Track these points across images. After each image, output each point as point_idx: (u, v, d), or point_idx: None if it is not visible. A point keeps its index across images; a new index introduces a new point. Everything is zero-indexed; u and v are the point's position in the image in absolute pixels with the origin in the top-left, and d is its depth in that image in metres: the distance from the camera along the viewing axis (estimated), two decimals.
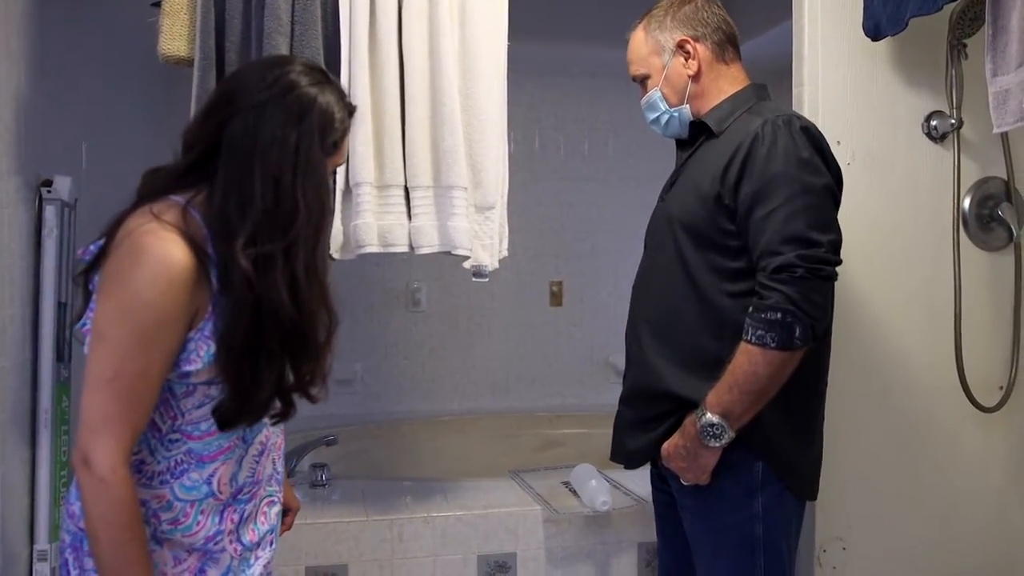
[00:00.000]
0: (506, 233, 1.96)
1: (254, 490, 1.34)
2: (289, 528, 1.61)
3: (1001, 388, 2.10)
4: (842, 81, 2.02)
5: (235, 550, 1.32)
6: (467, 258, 1.86)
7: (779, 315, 1.43)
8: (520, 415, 3.34)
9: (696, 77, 1.66)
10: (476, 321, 3.54)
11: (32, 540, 1.86)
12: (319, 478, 2.32)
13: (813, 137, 1.55)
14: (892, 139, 2.05)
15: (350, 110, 1.29)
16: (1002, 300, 2.12)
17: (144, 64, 2.00)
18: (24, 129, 1.87)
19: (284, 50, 1.73)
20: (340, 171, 1.78)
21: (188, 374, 1.20)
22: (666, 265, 1.64)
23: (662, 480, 1.77)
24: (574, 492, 2.25)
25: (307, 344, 1.22)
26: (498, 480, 2.39)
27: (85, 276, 1.25)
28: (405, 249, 1.83)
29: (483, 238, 1.87)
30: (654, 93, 1.69)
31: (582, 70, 3.57)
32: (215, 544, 1.29)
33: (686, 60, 1.65)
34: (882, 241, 2.06)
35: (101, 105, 2.39)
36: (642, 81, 1.73)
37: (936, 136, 2.06)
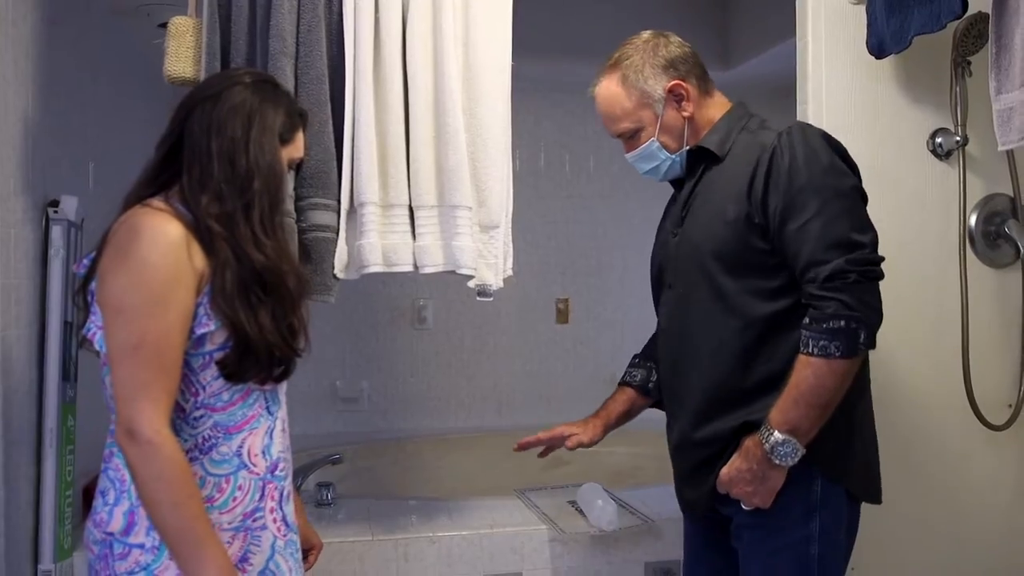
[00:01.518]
0: (511, 252, 1.96)
1: (287, 468, 1.40)
2: (311, 566, 1.63)
3: (1010, 406, 2.09)
4: (846, 99, 2.03)
5: (279, 529, 1.36)
6: (471, 277, 1.86)
7: (842, 323, 1.42)
8: (525, 432, 3.31)
9: (690, 116, 1.63)
10: (482, 338, 3.53)
11: (36, 560, 1.86)
12: (324, 497, 2.31)
13: (830, 141, 1.54)
14: (897, 156, 2.05)
15: (300, 112, 1.46)
16: (1010, 317, 2.11)
17: (150, 85, 2.01)
18: (32, 150, 1.88)
19: (288, 72, 1.74)
20: (344, 190, 1.78)
21: (203, 340, 1.27)
22: (702, 299, 1.59)
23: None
24: (580, 511, 2.23)
25: (280, 292, 1.32)
26: (504, 499, 2.37)
27: (83, 287, 1.33)
28: (409, 268, 1.83)
29: (487, 257, 1.87)
30: (651, 144, 1.64)
31: (587, 86, 3.56)
32: (254, 521, 1.33)
33: (679, 104, 1.61)
34: (888, 259, 2.02)
35: (108, 126, 2.41)
36: (630, 135, 1.67)
37: (941, 153, 2.06)
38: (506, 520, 2.18)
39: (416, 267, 1.82)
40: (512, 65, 1.94)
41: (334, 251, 1.78)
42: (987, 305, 2.09)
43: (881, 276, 1.49)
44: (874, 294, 1.47)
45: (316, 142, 1.76)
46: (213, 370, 1.29)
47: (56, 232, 1.91)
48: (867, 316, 1.44)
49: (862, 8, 1.99)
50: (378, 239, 1.78)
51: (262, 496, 1.34)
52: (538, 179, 3.59)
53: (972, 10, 1.83)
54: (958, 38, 2.00)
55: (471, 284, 1.87)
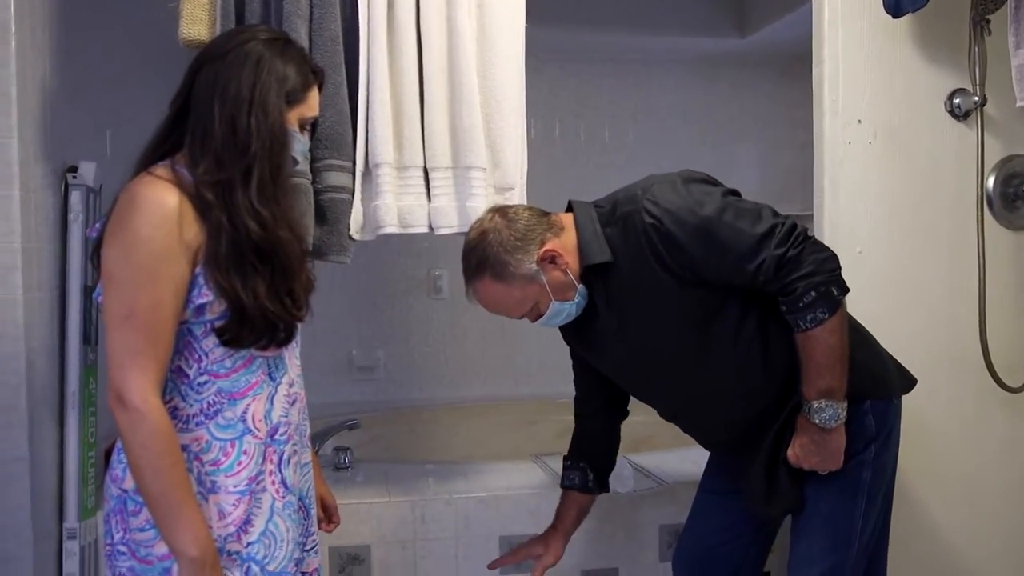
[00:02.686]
0: None
1: (288, 431, 1.40)
2: (338, 523, 1.67)
3: None
4: (863, 59, 2.01)
5: (277, 491, 1.37)
6: None
7: (813, 293, 1.49)
8: (541, 401, 3.34)
9: (567, 263, 1.61)
10: None
11: (61, 519, 1.89)
12: (342, 461, 2.34)
13: (678, 180, 1.59)
14: (914, 117, 2.04)
15: (314, 69, 1.43)
16: None
17: (166, 50, 2.02)
18: (50, 117, 1.90)
19: (303, 32, 1.74)
20: (360, 152, 1.79)
21: (203, 309, 1.28)
22: (702, 370, 1.65)
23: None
24: None
25: (279, 260, 1.31)
26: (520, 463, 2.40)
27: (96, 251, 1.34)
28: (425, 230, 1.84)
29: None
30: (553, 307, 1.64)
31: (603, 56, 3.56)
32: (257, 484, 1.35)
33: (555, 262, 1.61)
34: (904, 221, 2.04)
35: (124, 93, 2.42)
36: (532, 312, 1.67)
37: (959, 114, 2.05)
38: (522, 483, 2.20)
39: (431, 228, 1.83)
40: (526, 32, 1.93)
41: (350, 212, 1.80)
42: (1005, 267, 2.08)
43: (804, 229, 1.55)
44: (817, 249, 1.53)
45: (331, 104, 1.77)
46: (214, 338, 1.31)
47: (75, 197, 1.93)
48: (828, 271, 1.51)
49: None
50: (393, 200, 1.79)
51: (264, 459, 1.35)
52: (553, 149, 3.58)
53: None
54: None
55: None
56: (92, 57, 2.23)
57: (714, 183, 1.63)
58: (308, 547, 1.49)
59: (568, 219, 1.66)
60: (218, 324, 1.30)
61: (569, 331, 1.78)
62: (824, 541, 1.65)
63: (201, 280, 1.28)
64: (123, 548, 1.32)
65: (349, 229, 1.80)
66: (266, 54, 1.33)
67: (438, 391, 3.46)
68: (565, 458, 1.93)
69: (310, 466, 1.51)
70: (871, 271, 2.01)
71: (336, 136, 1.78)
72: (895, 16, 1.94)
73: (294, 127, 1.39)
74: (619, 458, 2.19)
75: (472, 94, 1.81)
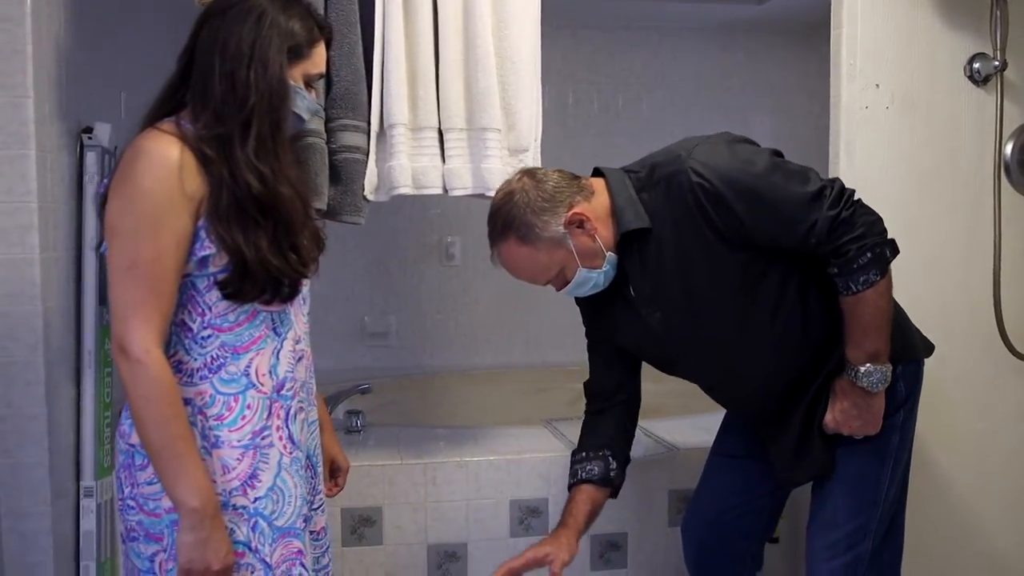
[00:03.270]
0: None
1: (295, 387, 1.40)
2: (342, 488, 1.68)
3: None
4: (881, 22, 1.99)
5: (284, 447, 1.37)
6: None
7: (868, 255, 1.49)
8: (553, 369, 3.35)
9: (596, 230, 1.57)
10: (508, 275, 3.54)
11: (78, 477, 1.92)
12: (354, 424, 2.36)
13: (723, 141, 1.56)
14: (932, 82, 2.02)
15: (320, 24, 1.41)
16: None
17: (181, 11, 2.01)
18: (65, 76, 1.90)
19: None
20: (375, 112, 1.79)
21: (205, 262, 1.29)
22: (744, 338, 1.61)
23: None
24: None
25: (280, 215, 1.31)
26: (531, 428, 2.41)
27: (102, 207, 1.34)
28: (439, 191, 1.84)
29: None
30: (579, 274, 1.58)
31: (617, 24, 3.53)
32: (263, 439, 1.35)
33: (583, 227, 1.56)
34: (921, 186, 2.03)
35: (138, 55, 2.41)
36: (557, 278, 1.62)
37: (978, 79, 2.03)
38: (533, 447, 2.22)
39: (445, 190, 1.83)
40: None
41: (364, 172, 1.80)
42: (1020, 234, 2.07)
43: (852, 191, 1.53)
44: (866, 211, 1.52)
45: (346, 63, 1.76)
46: (218, 291, 1.31)
47: (91, 158, 1.93)
48: (879, 233, 1.51)
49: None
50: (408, 161, 1.79)
51: (269, 415, 1.35)
52: (566, 117, 3.56)
53: None
54: None
55: None
56: (107, 18, 2.22)
57: (756, 144, 1.60)
58: (316, 505, 1.50)
59: (600, 184, 1.61)
60: (221, 277, 1.30)
61: (592, 307, 1.73)
62: (850, 504, 1.65)
63: (203, 233, 1.28)
64: (131, 503, 1.34)
65: (363, 189, 1.80)
66: (269, 9, 1.33)
67: (450, 358, 3.47)
68: (575, 452, 1.81)
69: (317, 424, 1.51)
70: None
71: (351, 96, 1.77)
72: None
73: (298, 83, 1.38)
74: None
75: (487, 56, 1.80)
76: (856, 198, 1.53)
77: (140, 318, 1.24)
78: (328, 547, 1.55)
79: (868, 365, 1.54)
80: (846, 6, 1.99)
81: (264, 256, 1.29)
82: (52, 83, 1.84)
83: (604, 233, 1.57)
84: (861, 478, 1.65)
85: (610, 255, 1.59)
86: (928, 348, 1.74)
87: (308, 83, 1.41)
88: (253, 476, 1.34)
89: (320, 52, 1.41)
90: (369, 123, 1.80)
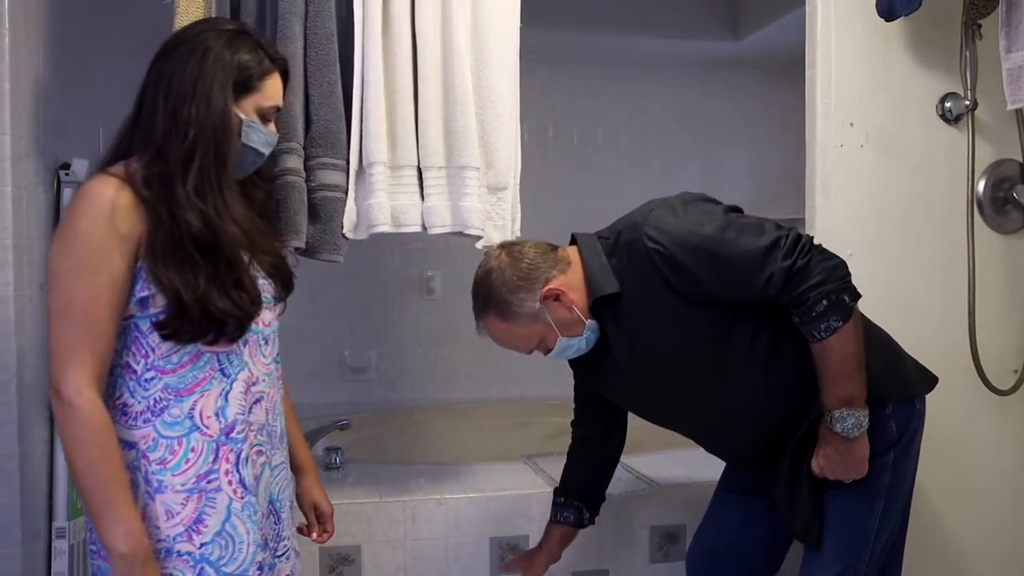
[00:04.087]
0: (519, 213, 1.97)
1: (247, 430, 1.37)
2: (331, 534, 1.64)
3: (1016, 372, 2.10)
4: (855, 62, 2.02)
5: (234, 491, 1.34)
6: (479, 239, 1.87)
7: (825, 302, 1.49)
8: (533, 403, 3.35)
9: (573, 301, 1.62)
10: None
11: (51, 518, 1.88)
12: (333, 461, 2.33)
13: (677, 203, 1.59)
14: (906, 121, 2.05)
15: (272, 57, 1.40)
16: (1017, 283, 2.12)
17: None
18: (43, 112, 1.89)
19: (298, 31, 1.75)
20: (354, 150, 1.79)
21: (146, 303, 1.28)
22: (714, 391, 1.64)
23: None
24: None
25: (222, 253, 1.30)
26: (511, 464, 2.40)
27: None
28: (418, 229, 1.84)
29: (496, 219, 1.88)
30: (560, 343, 1.65)
31: (596, 58, 3.57)
32: (208, 483, 1.32)
33: (559, 300, 1.61)
34: (895, 224, 2.05)
35: (117, 90, 2.40)
36: (540, 348, 1.69)
37: (950, 118, 2.06)
38: (513, 484, 2.20)
39: (424, 228, 1.83)
40: (520, 33, 1.93)
41: (343, 210, 1.79)
42: (994, 271, 2.09)
43: (809, 238, 1.55)
44: (824, 258, 1.53)
45: (325, 102, 1.77)
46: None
47: (68, 195, 1.93)
48: (838, 279, 1.50)
49: None
50: (387, 199, 1.79)
51: (216, 458, 1.33)
52: (546, 150, 3.58)
53: None
54: (968, 0, 1.99)
55: (479, 245, 1.88)
56: (86, 53, 2.23)
57: (714, 202, 1.63)
58: (279, 552, 1.46)
59: (574, 252, 1.66)
60: (159, 318, 1.28)
61: (581, 364, 1.78)
62: (838, 544, 1.64)
63: (143, 274, 1.27)
64: (93, 547, 1.32)
65: (342, 228, 1.80)
66: (214, 44, 1.32)
67: (430, 392, 3.46)
68: (557, 491, 1.92)
69: (282, 468, 1.48)
70: (862, 274, 1.99)
71: (330, 134, 1.78)
72: (888, 20, 1.95)
73: (252, 117, 1.37)
74: None
75: (466, 94, 1.81)
76: (815, 244, 1.54)
77: (73, 361, 1.23)
78: None
79: (842, 410, 1.54)
80: (820, 46, 2.02)
81: (203, 296, 1.27)
82: (30, 119, 1.83)
83: (581, 302, 1.62)
84: (850, 519, 1.64)
85: (590, 322, 1.64)
86: (928, 384, 1.73)
87: (264, 117, 1.40)
88: (198, 521, 1.31)
89: (273, 84, 1.40)
90: (348, 161, 1.80)
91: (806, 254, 1.50)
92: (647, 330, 1.62)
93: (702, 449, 1.88)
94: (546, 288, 1.60)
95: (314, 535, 1.62)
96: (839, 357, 1.51)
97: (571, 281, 1.63)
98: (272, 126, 1.42)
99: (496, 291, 1.62)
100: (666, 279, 1.54)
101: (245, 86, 1.35)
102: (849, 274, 1.53)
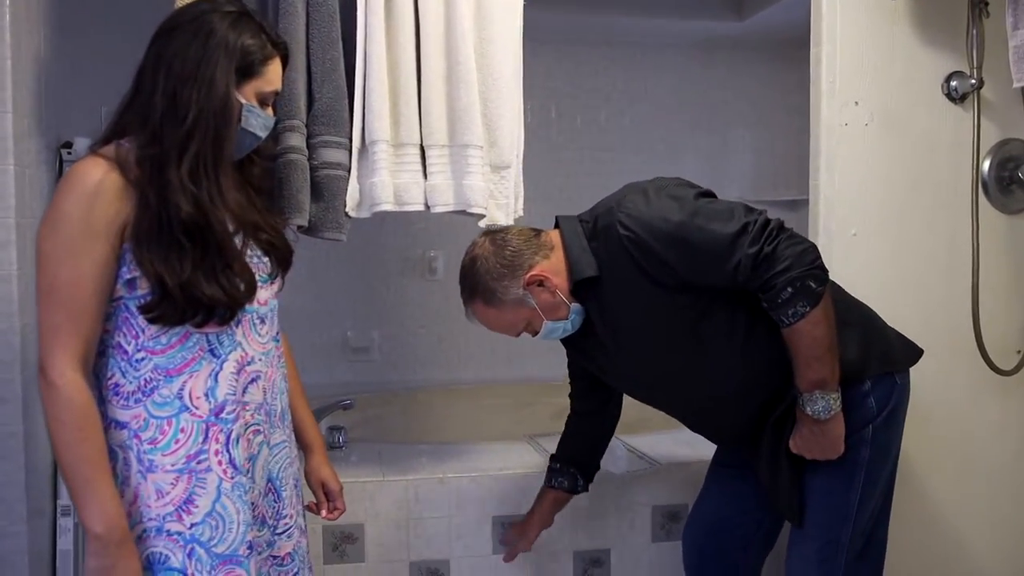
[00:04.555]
0: (521, 192, 1.96)
1: (238, 410, 1.37)
2: (342, 511, 1.65)
3: (1019, 352, 2.10)
4: (860, 40, 2.01)
5: (224, 471, 1.34)
6: (482, 217, 1.86)
7: (790, 289, 1.50)
8: (536, 384, 3.35)
9: (557, 285, 1.65)
10: None
11: (56, 495, 1.90)
12: (336, 440, 2.34)
13: (649, 189, 1.61)
14: (911, 100, 2.04)
15: (274, 42, 1.38)
16: (1021, 264, 2.11)
17: None
18: (45, 92, 1.89)
19: (300, 8, 1.73)
20: (356, 128, 1.78)
21: (133, 284, 1.28)
22: (693, 372, 1.67)
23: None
24: None
25: (213, 238, 1.29)
26: (513, 444, 2.40)
27: None
28: (421, 207, 1.83)
29: (498, 197, 1.88)
30: (546, 326, 1.68)
31: (600, 39, 3.54)
32: (198, 463, 1.32)
33: (543, 285, 1.64)
34: (899, 203, 2.05)
35: (119, 69, 2.39)
36: (528, 330, 1.72)
37: (956, 97, 2.05)
38: (516, 463, 2.21)
39: (427, 206, 1.83)
40: (524, 13, 1.92)
41: (346, 189, 1.79)
42: (998, 251, 2.09)
43: (779, 222, 1.54)
44: (792, 243, 1.52)
45: (328, 80, 1.76)
46: None
47: None
48: (805, 265, 1.50)
49: None
50: (389, 177, 1.79)
51: (206, 438, 1.33)
52: (549, 131, 3.57)
53: None
54: None
55: (481, 224, 1.87)
56: (88, 32, 2.22)
57: (689, 185, 1.63)
58: (280, 530, 1.47)
59: (556, 236, 1.68)
60: (144, 300, 1.28)
61: (571, 344, 1.82)
62: (820, 517, 1.67)
63: (128, 256, 1.27)
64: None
65: (345, 206, 1.80)
66: (218, 27, 1.30)
67: (433, 373, 3.46)
68: (553, 458, 1.97)
69: (283, 446, 1.48)
70: (866, 253, 2.02)
71: (333, 112, 1.77)
72: None
73: (251, 101, 1.36)
74: (613, 439, 2.21)
75: (469, 72, 1.80)
76: (785, 229, 1.54)
77: (57, 341, 1.23)
78: (297, 572, 1.51)
79: (813, 393, 1.55)
80: (825, 25, 2.00)
81: (188, 281, 1.26)
82: (32, 98, 1.83)
83: (564, 286, 1.65)
84: (829, 493, 1.66)
85: (574, 305, 1.67)
86: (910, 357, 1.74)
87: (263, 101, 1.39)
88: (189, 501, 1.32)
89: (274, 69, 1.38)
90: (351, 139, 1.79)
91: (773, 239, 1.51)
92: (626, 312, 1.64)
93: None
94: (529, 274, 1.63)
95: (323, 512, 1.63)
96: (808, 341, 1.52)
97: (554, 265, 1.65)
98: (270, 110, 1.41)
99: (481, 279, 1.65)
100: (639, 265, 1.57)
101: (247, 71, 1.33)
102: (818, 258, 1.53)
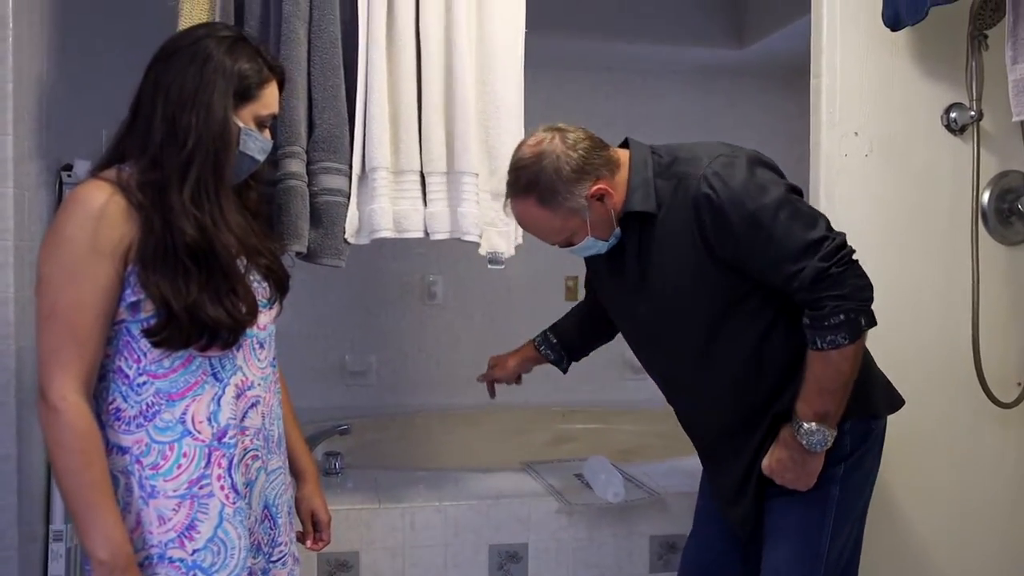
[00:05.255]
0: None
1: (238, 434, 1.36)
2: (327, 543, 1.63)
3: (1019, 384, 2.09)
4: (861, 72, 2.01)
5: (226, 496, 1.34)
6: (478, 245, 1.86)
7: (842, 316, 1.47)
8: (534, 409, 3.33)
9: (616, 205, 1.60)
10: (491, 315, 3.53)
11: (48, 521, 1.88)
12: (332, 466, 2.33)
13: (746, 160, 1.57)
14: (911, 131, 2.04)
15: (271, 65, 1.39)
16: (1021, 295, 2.11)
17: None
18: (46, 114, 1.89)
19: (302, 34, 1.74)
20: (356, 155, 1.79)
21: (136, 307, 1.27)
22: (698, 347, 1.63)
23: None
24: (587, 484, 2.24)
25: (217, 262, 1.30)
26: (511, 471, 2.39)
27: None
28: (420, 234, 1.83)
29: (499, 225, 1.87)
30: (586, 241, 1.62)
31: (601, 65, 3.56)
32: (200, 488, 1.32)
33: (603, 201, 1.58)
34: (899, 234, 2.04)
35: (120, 90, 2.41)
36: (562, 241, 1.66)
37: (955, 128, 2.05)
38: (512, 491, 2.19)
39: (426, 233, 1.83)
40: (525, 40, 1.93)
41: (345, 215, 1.79)
42: (998, 282, 2.08)
43: (852, 250, 1.52)
44: (857, 274, 1.51)
45: (329, 106, 1.77)
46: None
47: None
48: (861, 300, 1.49)
49: None
50: (389, 204, 1.79)
51: (208, 463, 1.32)
52: None
53: None
54: (975, 11, 1.98)
55: (482, 251, 1.87)
56: (89, 55, 2.23)
57: (780, 173, 1.60)
58: (274, 558, 1.46)
59: (624, 157, 1.62)
60: (148, 324, 1.28)
61: (593, 268, 1.80)
62: (791, 555, 1.64)
63: (132, 279, 1.27)
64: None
65: (344, 232, 1.79)
66: (215, 52, 1.32)
67: (430, 397, 3.45)
68: (552, 327, 2.05)
69: (279, 472, 1.47)
70: None
71: (333, 139, 1.77)
72: (893, 29, 1.95)
73: (249, 125, 1.36)
74: (610, 468, 2.20)
75: (467, 100, 1.81)
76: (854, 258, 1.51)
77: (58, 365, 1.23)
78: None
79: (813, 424, 1.53)
80: (825, 56, 2.01)
81: (194, 304, 1.26)
82: (33, 121, 1.83)
83: (618, 208, 1.60)
84: (802, 529, 1.63)
85: (617, 230, 1.62)
86: (891, 405, 1.72)
87: (261, 124, 1.39)
88: (191, 527, 1.31)
89: (271, 92, 1.39)
90: (351, 166, 1.79)
91: (843, 264, 1.48)
92: (664, 261, 1.59)
93: None
94: (596, 186, 1.56)
95: (308, 543, 1.61)
96: (832, 372, 1.50)
97: (617, 184, 1.59)
98: (267, 133, 1.42)
99: (545, 176, 1.55)
100: (703, 225, 1.52)
101: (245, 95, 1.34)
102: (872, 299, 1.51)
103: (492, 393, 2.14)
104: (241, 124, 1.35)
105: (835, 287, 1.47)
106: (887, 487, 2.02)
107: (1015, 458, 2.12)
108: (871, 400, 1.66)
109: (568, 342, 2.02)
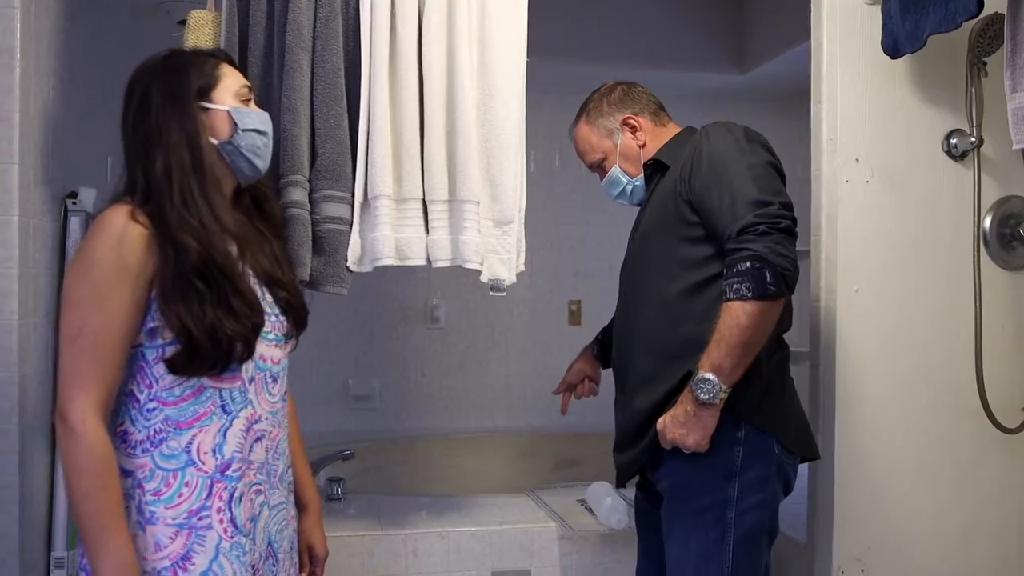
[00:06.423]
0: (523, 247, 1.96)
1: (243, 468, 1.36)
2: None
3: (1023, 410, 2.08)
4: (861, 99, 2.02)
5: (225, 530, 1.33)
6: (479, 272, 1.87)
7: (748, 264, 1.52)
8: (537, 434, 3.34)
9: (644, 145, 1.87)
10: (494, 339, 3.54)
11: (50, 547, 1.87)
12: (335, 492, 2.32)
13: (750, 132, 1.72)
14: (911, 157, 2.05)
15: (206, 54, 1.45)
16: None
17: None
18: (51, 142, 1.91)
19: (305, 64, 1.75)
20: (359, 183, 1.79)
21: (155, 333, 1.29)
22: (643, 275, 1.78)
23: (645, 490, 1.86)
24: (590, 510, 2.24)
25: (220, 269, 1.31)
26: (514, 497, 2.38)
27: None
28: (422, 262, 1.84)
29: (500, 252, 1.88)
30: (614, 171, 1.89)
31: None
32: (199, 519, 1.31)
33: (633, 133, 1.87)
34: (901, 260, 2.05)
35: None
36: (599, 166, 1.93)
37: (956, 154, 2.06)
38: (516, 517, 2.19)
39: (429, 261, 1.83)
40: (527, 66, 1.94)
41: (347, 243, 1.79)
42: (1001, 307, 2.08)
43: (793, 229, 1.57)
44: (784, 243, 1.55)
45: (331, 135, 1.78)
46: (164, 364, 1.31)
47: (74, 223, 1.93)
48: (775, 260, 1.52)
49: (877, 8, 1.99)
50: (391, 232, 1.79)
51: (209, 495, 1.32)
52: (552, 181, 3.59)
53: (988, 10, 1.82)
54: (974, 38, 1.99)
55: (484, 279, 1.87)
56: (95, 84, 2.24)
57: (771, 153, 1.70)
58: None
59: (675, 128, 1.89)
60: (168, 352, 1.29)
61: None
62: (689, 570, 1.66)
63: (155, 306, 1.29)
64: (82, 573, 1.32)
65: (346, 260, 1.80)
66: (152, 83, 1.37)
67: (434, 422, 3.45)
68: (603, 329, 2.15)
69: (282, 507, 1.47)
70: (867, 310, 2.01)
71: (335, 167, 1.78)
72: (893, 57, 1.96)
73: (236, 104, 1.40)
74: (614, 494, 2.19)
75: (469, 128, 1.82)
76: (792, 233, 1.56)
77: (81, 387, 1.24)
78: None
79: (707, 375, 1.56)
80: (826, 83, 2.02)
81: (212, 324, 1.28)
82: (38, 150, 1.84)
83: (647, 153, 1.85)
84: (702, 554, 1.64)
85: (640, 176, 1.86)
86: (802, 445, 1.74)
87: (243, 99, 1.43)
88: (186, 558, 1.30)
89: (226, 68, 1.44)
90: (353, 194, 1.80)
91: (775, 228, 1.54)
92: (654, 213, 1.77)
93: None
94: (628, 115, 1.87)
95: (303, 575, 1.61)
96: (731, 323, 1.54)
97: (654, 132, 1.87)
98: (251, 104, 1.45)
99: (595, 99, 1.92)
100: (685, 166, 1.69)
101: (205, 87, 1.39)
102: (788, 272, 1.53)
103: (564, 408, 2.18)
104: (226, 107, 1.39)
105: (756, 241, 1.53)
106: (892, 515, 2.01)
107: (1020, 483, 2.11)
108: (776, 421, 1.68)
109: (605, 340, 2.11)
